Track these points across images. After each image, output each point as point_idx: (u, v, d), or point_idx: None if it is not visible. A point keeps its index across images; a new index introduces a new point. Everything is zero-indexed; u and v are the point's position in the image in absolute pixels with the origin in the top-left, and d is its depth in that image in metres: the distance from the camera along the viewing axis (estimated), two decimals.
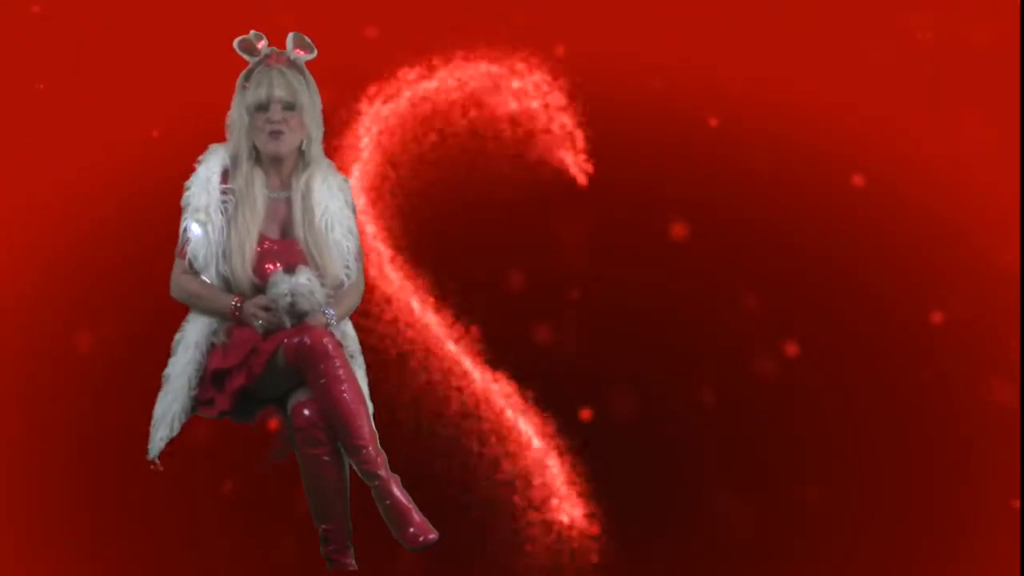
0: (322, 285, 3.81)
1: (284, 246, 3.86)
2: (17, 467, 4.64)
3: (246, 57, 3.88)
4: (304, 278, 3.77)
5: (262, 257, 3.83)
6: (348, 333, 3.92)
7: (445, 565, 4.12)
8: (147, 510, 4.55)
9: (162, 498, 4.52)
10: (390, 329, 4.71)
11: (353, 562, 3.80)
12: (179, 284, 3.86)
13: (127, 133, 4.80)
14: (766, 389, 4.67)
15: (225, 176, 3.87)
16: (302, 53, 3.88)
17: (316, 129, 3.91)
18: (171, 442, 3.81)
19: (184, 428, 3.81)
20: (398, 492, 3.68)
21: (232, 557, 4.50)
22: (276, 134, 3.85)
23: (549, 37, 4.84)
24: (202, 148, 3.95)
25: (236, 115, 3.88)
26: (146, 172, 4.76)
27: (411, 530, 3.66)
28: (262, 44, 3.88)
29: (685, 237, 4.76)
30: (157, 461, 3.82)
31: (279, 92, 3.83)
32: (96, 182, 4.79)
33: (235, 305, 3.79)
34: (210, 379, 3.78)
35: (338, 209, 3.91)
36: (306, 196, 3.89)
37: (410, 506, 3.68)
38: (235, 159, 3.88)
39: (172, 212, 3.93)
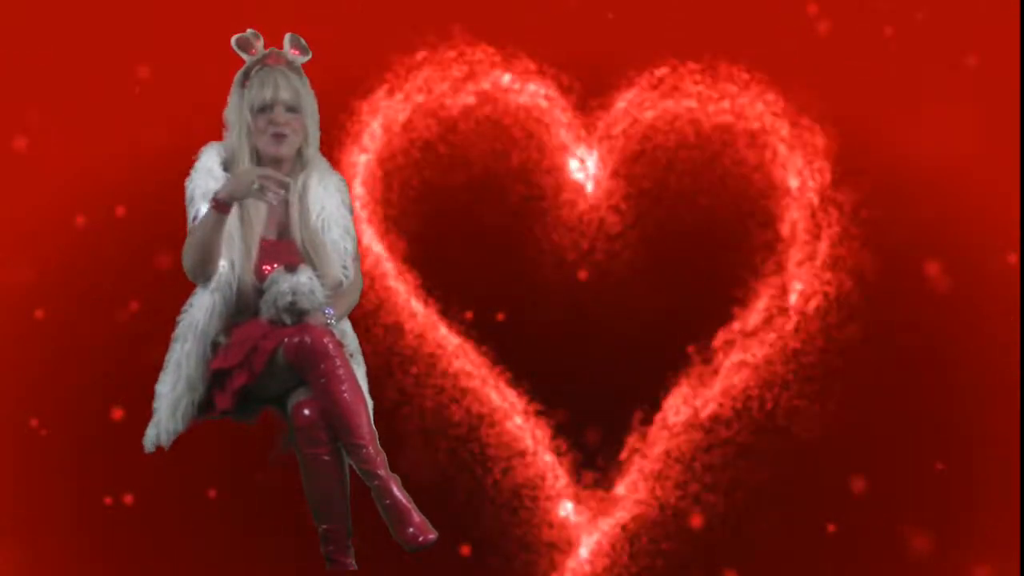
0: (322, 284, 3.81)
1: (282, 247, 3.86)
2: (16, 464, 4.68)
3: (242, 55, 3.86)
4: (305, 277, 3.76)
5: (261, 259, 3.82)
6: (347, 332, 3.91)
7: (444, 565, 4.13)
8: (145, 509, 4.57)
9: (161, 497, 4.53)
10: (388, 329, 4.73)
11: (353, 562, 3.80)
12: (187, 244, 3.78)
13: (120, 135, 4.82)
14: None
15: (225, 170, 3.84)
16: (298, 54, 3.88)
17: (314, 130, 3.90)
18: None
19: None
20: (397, 492, 3.67)
21: (232, 557, 4.51)
22: (280, 136, 3.84)
23: None
24: (195, 149, 3.94)
25: (235, 115, 3.87)
26: (140, 175, 4.78)
27: (410, 530, 3.65)
28: (260, 44, 3.87)
29: None
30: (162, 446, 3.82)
31: (284, 94, 3.82)
32: (92, 183, 4.80)
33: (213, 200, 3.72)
34: (211, 379, 3.77)
35: (335, 209, 3.90)
36: (303, 197, 3.88)
37: (409, 506, 3.67)
38: (233, 158, 3.86)
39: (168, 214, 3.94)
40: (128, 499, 4.62)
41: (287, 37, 3.88)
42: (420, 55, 4.81)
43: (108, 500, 4.62)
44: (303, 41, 3.90)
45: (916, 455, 4.66)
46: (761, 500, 4.65)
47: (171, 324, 3.87)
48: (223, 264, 3.77)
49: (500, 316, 4.74)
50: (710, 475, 4.68)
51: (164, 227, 4.55)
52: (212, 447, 4.29)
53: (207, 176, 3.82)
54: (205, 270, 3.77)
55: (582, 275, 4.80)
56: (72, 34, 4.83)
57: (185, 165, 3.91)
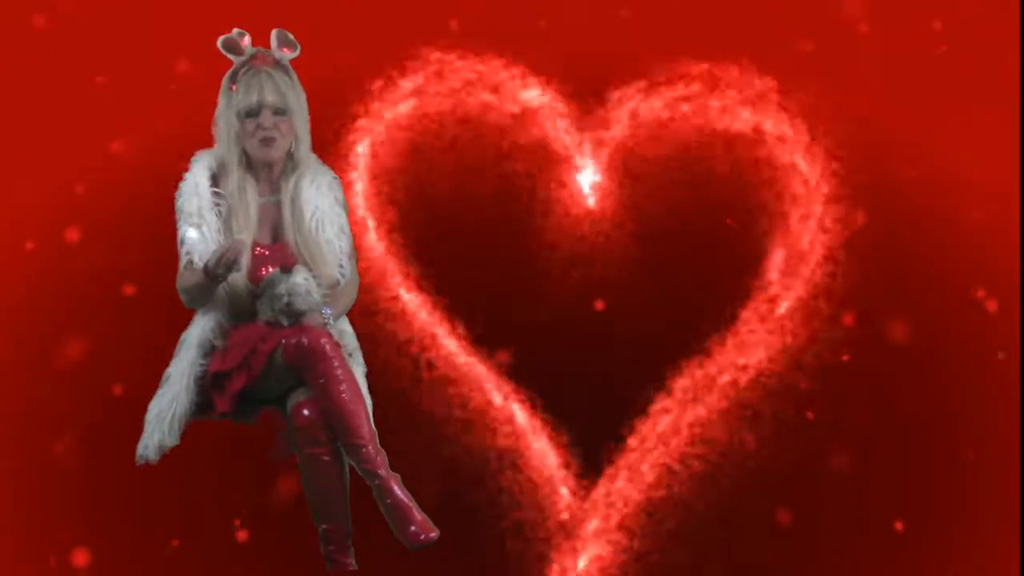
0: (318, 285, 3.82)
1: (276, 250, 3.86)
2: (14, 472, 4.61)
3: (230, 57, 3.85)
4: (300, 278, 3.77)
5: (256, 263, 3.83)
6: (346, 331, 3.92)
7: (446, 564, 4.13)
8: (145, 510, 4.52)
9: (161, 498, 4.49)
10: (389, 329, 4.73)
11: (353, 562, 3.80)
12: (181, 284, 3.83)
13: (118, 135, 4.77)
14: None
15: (214, 181, 3.85)
16: (287, 51, 3.87)
17: (304, 130, 3.90)
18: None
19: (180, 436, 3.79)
20: (398, 491, 3.68)
21: (232, 556, 4.48)
22: (268, 140, 3.84)
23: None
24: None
25: (223, 120, 3.86)
26: (96, 194, 4.73)
27: (412, 528, 3.67)
28: (246, 42, 3.85)
29: None
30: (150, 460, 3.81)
31: (270, 98, 3.82)
32: (41, 204, 4.74)
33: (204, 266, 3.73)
34: (210, 381, 3.78)
35: (328, 208, 3.90)
36: (295, 198, 3.88)
37: (411, 504, 3.68)
38: (223, 164, 3.87)
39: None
40: (80, 558, 4.48)
41: (274, 33, 3.86)
42: (420, 59, 4.83)
43: (52, 561, 4.49)
44: (291, 36, 3.87)
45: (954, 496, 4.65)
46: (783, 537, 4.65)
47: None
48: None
49: (502, 319, 4.73)
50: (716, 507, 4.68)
51: (122, 253, 4.56)
52: (209, 448, 4.25)
53: (193, 193, 3.84)
54: (196, 307, 3.85)
55: (589, 290, 4.80)
56: (19, 40, 4.73)
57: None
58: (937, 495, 4.65)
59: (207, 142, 3.91)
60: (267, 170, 3.90)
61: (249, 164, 3.89)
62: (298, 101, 3.88)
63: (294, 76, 3.88)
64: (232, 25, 3.85)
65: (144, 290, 4.55)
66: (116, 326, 4.56)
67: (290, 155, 3.90)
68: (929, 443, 4.66)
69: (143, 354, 4.05)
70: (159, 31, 4.70)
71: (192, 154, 3.91)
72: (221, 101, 3.89)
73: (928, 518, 4.62)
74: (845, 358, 4.69)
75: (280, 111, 3.84)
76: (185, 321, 3.87)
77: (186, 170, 3.90)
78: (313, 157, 3.96)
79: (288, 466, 3.88)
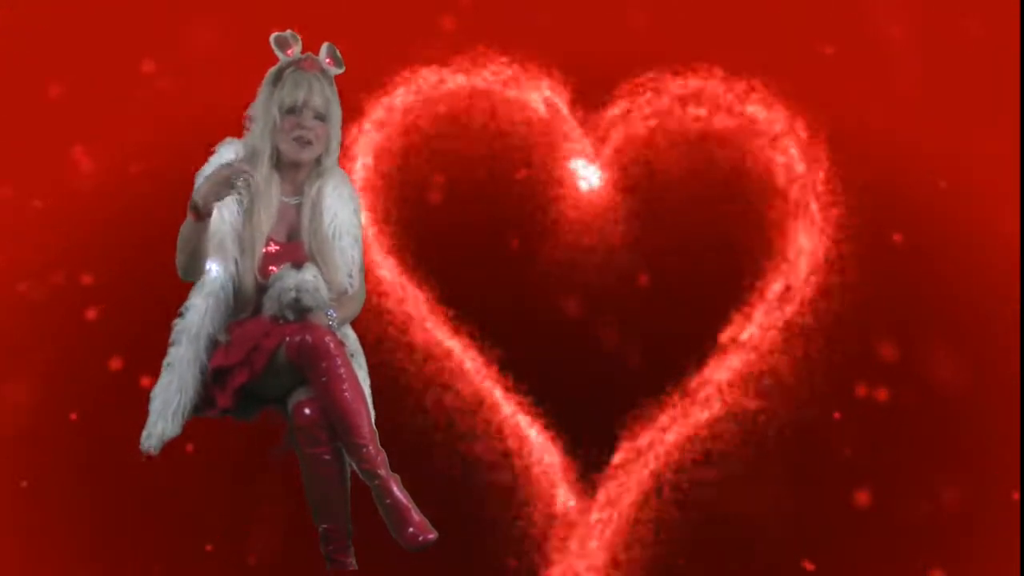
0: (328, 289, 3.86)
1: (289, 249, 3.89)
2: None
3: (278, 54, 3.91)
4: (310, 275, 3.80)
5: (267, 259, 3.87)
6: (348, 333, 3.94)
7: (444, 565, 4.11)
8: (144, 509, 4.55)
9: (161, 498, 4.52)
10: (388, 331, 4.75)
11: (353, 562, 3.80)
12: (179, 242, 3.80)
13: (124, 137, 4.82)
14: None
15: None
16: (332, 65, 3.94)
17: (336, 141, 3.96)
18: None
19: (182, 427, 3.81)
20: (398, 492, 3.69)
21: (232, 556, 4.49)
22: (304, 142, 3.89)
23: None
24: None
25: (262, 112, 3.91)
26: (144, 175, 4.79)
27: (410, 530, 3.67)
28: (297, 47, 3.92)
29: None
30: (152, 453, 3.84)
31: (316, 99, 3.88)
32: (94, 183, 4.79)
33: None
34: (211, 377, 3.80)
35: (347, 217, 3.94)
36: (316, 203, 3.92)
37: (409, 506, 3.69)
38: (254, 154, 3.90)
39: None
40: None
41: (324, 46, 3.94)
42: (418, 61, 4.87)
43: None
44: (339, 54, 3.95)
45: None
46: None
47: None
48: (216, 268, 3.82)
49: (503, 321, 4.74)
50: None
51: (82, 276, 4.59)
52: (211, 445, 4.27)
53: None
54: (190, 271, 3.82)
55: (591, 292, 4.80)
56: None
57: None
58: (983, 540, 4.53)
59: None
60: (293, 171, 3.94)
61: (277, 161, 3.94)
62: (336, 113, 3.94)
63: (335, 90, 3.94)
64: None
65: (108, 315, 4.59)
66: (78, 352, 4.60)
67: (318, 162, 3.95)
68: (979, 482, 4.56)
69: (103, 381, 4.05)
70: (123, 32, 4.74)
71: (164, 169, 3.96)
72: (262, 94, 3.93)
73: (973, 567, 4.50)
74: (882, 397, 4.61)
75: (321, 116, 3.89)
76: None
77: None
78: (339, 169, 4.02)
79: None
